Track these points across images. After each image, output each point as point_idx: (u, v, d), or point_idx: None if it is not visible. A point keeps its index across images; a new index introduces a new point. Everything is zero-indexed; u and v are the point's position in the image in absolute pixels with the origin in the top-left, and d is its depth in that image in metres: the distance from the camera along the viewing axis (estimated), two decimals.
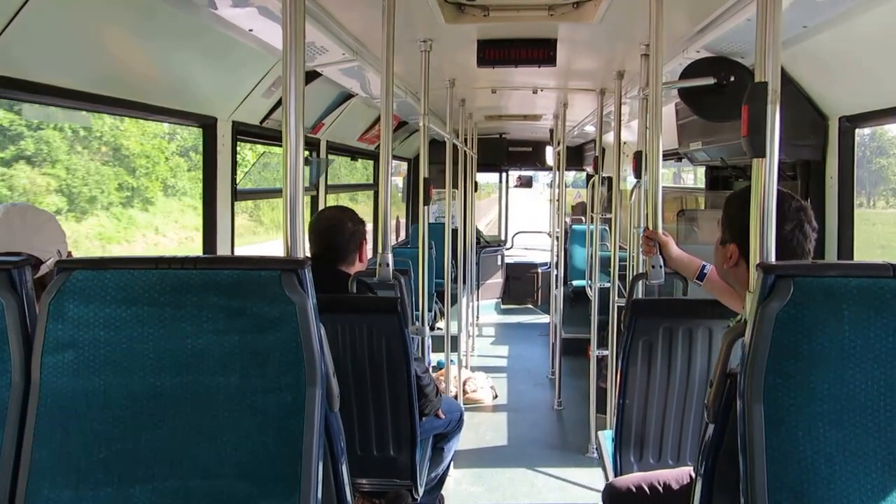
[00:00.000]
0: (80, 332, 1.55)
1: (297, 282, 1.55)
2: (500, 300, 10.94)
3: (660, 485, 2.52)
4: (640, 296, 3.18)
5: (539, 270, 11.00)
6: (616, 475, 2.89)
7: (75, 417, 1.55)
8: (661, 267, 2.80)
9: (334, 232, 3.17)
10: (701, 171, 6.18)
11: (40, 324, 1.56)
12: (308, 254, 1.77)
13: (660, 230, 2.82)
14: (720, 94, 3.25)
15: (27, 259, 1.61)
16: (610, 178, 6.82)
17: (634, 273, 4.21)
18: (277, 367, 1.55)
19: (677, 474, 2.53)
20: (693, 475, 2.26)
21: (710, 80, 3.22)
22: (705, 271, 2.68)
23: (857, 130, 3.10)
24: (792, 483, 1.42)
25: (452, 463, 4.56)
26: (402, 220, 10.42)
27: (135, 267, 1.57)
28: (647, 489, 2.53)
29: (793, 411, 1.44)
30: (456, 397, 5.88)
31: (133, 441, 1.55)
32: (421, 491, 3.20)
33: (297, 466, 1.53)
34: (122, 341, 1.55)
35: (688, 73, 3.35)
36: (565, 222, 8.07)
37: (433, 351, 6.74)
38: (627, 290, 3.23)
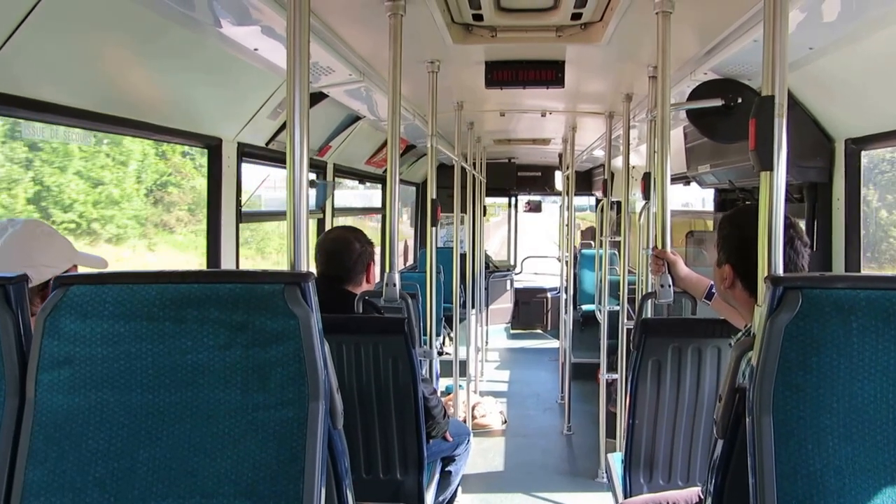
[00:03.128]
0: (77, 348, 1.53)
1: (300, 295, 1.53)
2: (509, 325, 10.90)
3: None
4: (649, 315, 3.16)
5: (548, 295, 10.97)
6: (626, 497, 2.86)
7: (71, 436, 1.52)
8: (669, 286, 2.79)
9: (341, 252, 3.16)
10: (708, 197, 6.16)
11: (35, 340, 1.54)
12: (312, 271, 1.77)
13: (668, 249, 2.81)
14: (727, 115, 3.25)
15: (23, 275, 1.60)
16: (619, 203, 6.82)
17: (644, 293, 4.20)
18: (280, 381, 1.53)
19: (686, 495, 2.49)
20: (702, 495, 2.22)
21: (718, 102, 3.22)
22: (713, 291, 2.66)
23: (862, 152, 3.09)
24: (801, 497, 1.40)
25: (461, 488, 4.52)
26: (410, 245, 10.42)
27: (134, 282, 1.55)
28: None
29: (802, 424, 1.42)
30: (465, 422, 5.84)
31: (130, 459, 1.52)
32: None
33: (298, 484, 1.50)
34: (119, 357, 1.53)
35: (695, 95, 3.35)
36: (574, 247, 8.06)
37: (442, 376, 6.70)
38: (637, 309, 3.21)
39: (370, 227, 8.39)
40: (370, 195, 8.04)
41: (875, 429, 1.41)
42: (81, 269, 2.27)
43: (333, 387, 1.60)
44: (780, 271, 1.58)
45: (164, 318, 1.53)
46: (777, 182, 1.58)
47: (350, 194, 8.18)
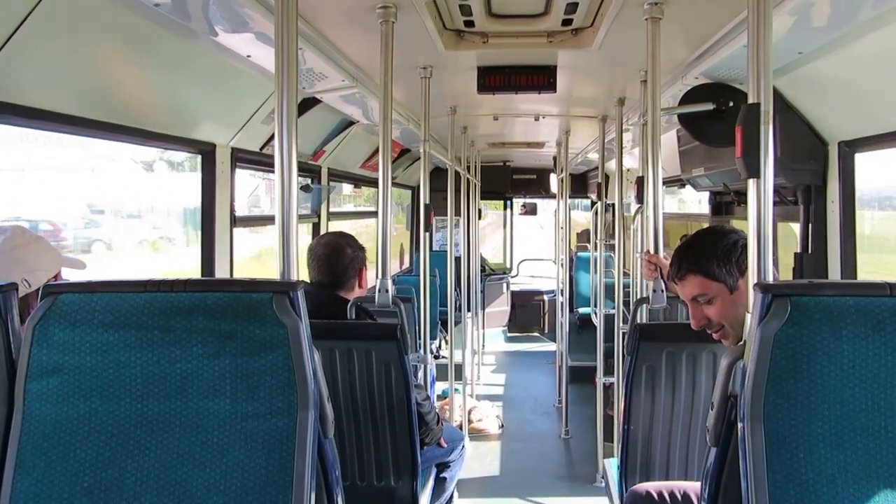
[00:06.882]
0: (66, 357, 1.52)
1: (289, 304, 1.53)
2: (505, 328, 10.89)
3: (679, 493, 2.48)
4: (643, 320, 3.16)
5: (545, 298, 10.96)
6: None
7: (59, 445, 1.52)
8: (663, 291, 2.79)
9: (333, 257, 3.16)
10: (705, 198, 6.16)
11: (24, 349, 1.53)
12: (302, 279, 1.77)
13: (661, 254, 2.82)
14: (719, 119, 3.25)
15: (13, 284, 1.59)
16: (613, 205, 6.83)
17: (638, 298, 4.19)
18: (269, 391, 1.52)
19: (697, 487, 2.48)
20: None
21: (709, 106, 3.23)
22: None
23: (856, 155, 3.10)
24: None
25: (457, 493, 4.51)
26: (406, 248, 10.41)
27: (123, 290, 1.54)
28: (667, 497, 2.48)
29: (793, 432, 1.42)
30: (461, 426, 5.83)
31: (119, 469, 1.51)
32: None
33: (288, 494, 1.49)
34: (108, 366, 1.52)
35: (687, 99, 3.36)
36: (570, 249, 8.06)
37: (438, 380, 6.69)
38: (630, 314, 3.21)
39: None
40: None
41: (866, 436, 1.40)
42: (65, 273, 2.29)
43: (324, 395, 1.59)
44: (770, 278, 1.58)
45: (153, 326, 1.53)
46: (765, 189, 1.58)
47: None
